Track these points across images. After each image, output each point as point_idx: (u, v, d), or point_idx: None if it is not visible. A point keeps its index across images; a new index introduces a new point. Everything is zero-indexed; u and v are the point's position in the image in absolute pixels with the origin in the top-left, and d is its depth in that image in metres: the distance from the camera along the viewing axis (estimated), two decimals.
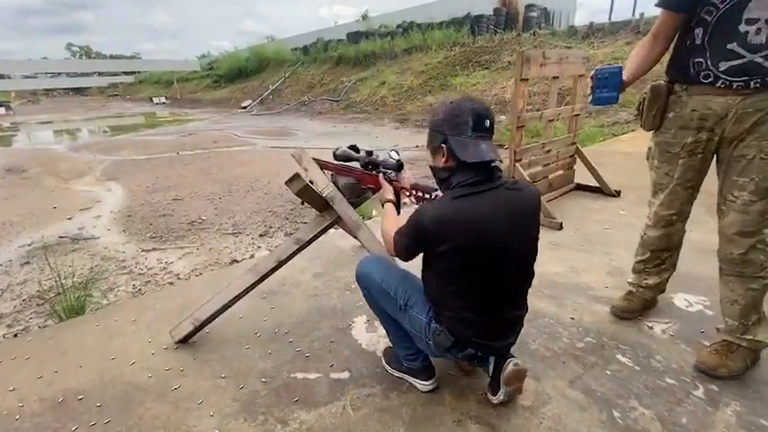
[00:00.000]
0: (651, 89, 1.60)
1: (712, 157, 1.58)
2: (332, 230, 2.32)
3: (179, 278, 2.91)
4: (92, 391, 1.64)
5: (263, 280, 1.86)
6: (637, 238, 1.92)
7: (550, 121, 3.54)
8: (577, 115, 3.78)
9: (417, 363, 1.55)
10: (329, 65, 17.82)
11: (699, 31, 1.42)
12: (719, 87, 1.41)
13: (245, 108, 17.28)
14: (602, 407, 1.47)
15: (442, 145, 1.26)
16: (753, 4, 1.29)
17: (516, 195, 1.28)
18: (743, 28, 1.32)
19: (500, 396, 1.43)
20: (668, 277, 1.92)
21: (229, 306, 1.87)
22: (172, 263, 3.17)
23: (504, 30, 14.36)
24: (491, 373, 1.43)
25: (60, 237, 3.77)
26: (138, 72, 37.02)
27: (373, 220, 3.40)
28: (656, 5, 1.51)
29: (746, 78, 1.35)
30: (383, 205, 1.61)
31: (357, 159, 1.77)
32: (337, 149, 1.80)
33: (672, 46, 1.56)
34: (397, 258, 1.46)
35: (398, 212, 1.60)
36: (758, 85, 1.35)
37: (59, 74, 41.06)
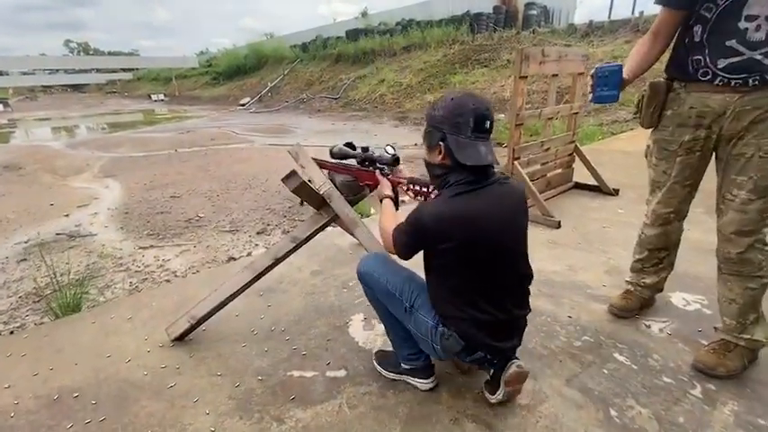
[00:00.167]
0: (650, 86, 1.60)
1: (711, 155, 1.58)
2: (330, 228, 2.31)
3: (176, 276, 2.90)
4: (87, 389, 1.63)
5: (260, 278, 1.85)
6: (635, 236, 1.91)
7: (549, 119, 3.53)
8: (576, 113, 3.77)
9: (419, 362, 1.54)
10: (328, 62, 17.77)
11: (698, 29, 1.41)
12: (718, 85, 1.40)
13: (243, 105, 17.24)
14: (599, 405, 1.46)
15: (440, 143, 1.24)
16: (753, 0, 1.28)
17: (508, 190, 1.31)
18: (742, 25, 1.31)
19: (498, 396, 1.42)
20: (666, 276, 1.92)
21: (226, 304, 1.86)
22: (169, 260, 3.16)
23: (503, 28, 14.32)
24: (492, 372, 1.42)
25: (57, 234, 3.76)
26: (137, 69, 36.83)
27: (371, 218, 3.39)
28: (655, 3, 1.50)
29: (745, 76, 1.34)
30: (381, 201, 1.59)
31: (354, 156, 1.76)
32: (334, 147, 1.80)
33: (671, 44, 1.55)
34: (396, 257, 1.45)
35: (396, 208, 1.58)
36: (757, 82, 1.34)
37: (57, 70, 40.82)
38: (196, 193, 4.91)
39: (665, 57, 1.60)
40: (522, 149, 3.26)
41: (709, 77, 1.41)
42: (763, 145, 1.38)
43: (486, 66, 11.88)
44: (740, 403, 1.45)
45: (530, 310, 1.43)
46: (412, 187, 1.57)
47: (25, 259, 3.25)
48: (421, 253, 1.37)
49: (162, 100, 24.65)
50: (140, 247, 3.41)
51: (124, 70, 38.07)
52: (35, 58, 35.99)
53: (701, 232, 2.40)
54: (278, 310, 2.14)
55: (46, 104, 25.64)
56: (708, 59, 1.40)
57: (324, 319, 2.04)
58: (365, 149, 1.73)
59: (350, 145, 1.79)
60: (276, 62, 20.68)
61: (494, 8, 15.41)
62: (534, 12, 14.92)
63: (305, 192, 1.70)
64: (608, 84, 1.57)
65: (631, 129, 7.02)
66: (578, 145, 3.88)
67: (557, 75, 3.41)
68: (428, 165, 1.34)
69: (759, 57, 1.31)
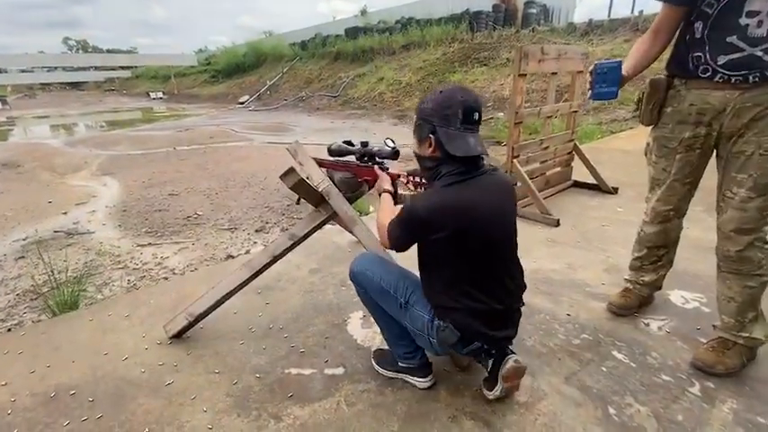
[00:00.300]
0: (650, 83, 1.59)
1: (711, 152, 1.57)
2: (328, 226, 2.31)
3: (174, 273, 2.89)
4: (84, 386, 1.62)
5: (258, 275, 1.85)
6: (634, 235, 1.91)
7: (548, 117, 3.52)
8: (575, 112, 3.77)
9: (415, 360, 1.54)
10: (327, 60, 17.73)
11: (699, 25, 1.40)
12: (718, 82, 1.39)
13: (242, 103, 17.20)
14: (597, 403, 1.46)
15: (430, 135, 1.27)
16: None
17: (497, 180, 1.34)
18: (743, 21, 1.30)
19: (496, 392, 1.42)
20: (665, 274, 1.91)
21: (224, 301, 1.85)
22: (167, 258, 3.15)
23: (502, 26, 14.30)
24: (490, 368, 1.42)
25: (55, 231, 3.74)
26: (135, 67, 36.72)
27: (370, 216, 3.38)
28: None
29: (745, 72, 1.33)
30: (380, 196, 1.58)
31: (352, 153, 1.75)
32: (332, 145, 1.79)
33: (673, 42, 1.55)
34: (391, 252, 1.44)
35: (396, 203, 1.57)
36: (757, 79, 1.33)
37: (56, 68, 40.71)
38: (195, 191, 4.90)
39: (665, 55, 1.60)
40: (521, 148, 3.26)
41: (709, 74, 1.40)
42: (763, 142, 1.37)
43: (485, 64, 11.86)
44: (739, 401, 1.45)
45: (523, 301, 1.44)
46: (412, 179, 1.57)
47: (23, 257, 3.24)
48: (415, 251, 1.37)
49: (160, 98, 24.58)
50: (138, 245, 3.40)
51: (123, 68, 37.95)
52: (34, 56, 35.87)
53: (700, 230, 2.39)
54: (276, 307, 2.13)
55: (44, 102, 25.56)
56: (708, 56, 1.39)
57: (322, 317, 2.03)
58: (364, 144, 1.72)
59: (348, 143, 1.78)
60: (275, 60, 20.63)
61: (493, 6, 15.38)
62: (534, 10, 14.88)
63: (303, 189, 1.69)
64: (606, 80, 1.56)
65: (630, 128, 7.02)
66: (577, 143, 3.88)
67: (556, 73, 3.41)
68: (419, 157, 1.36)
69: (760, 53, 1.30)
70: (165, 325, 1.89)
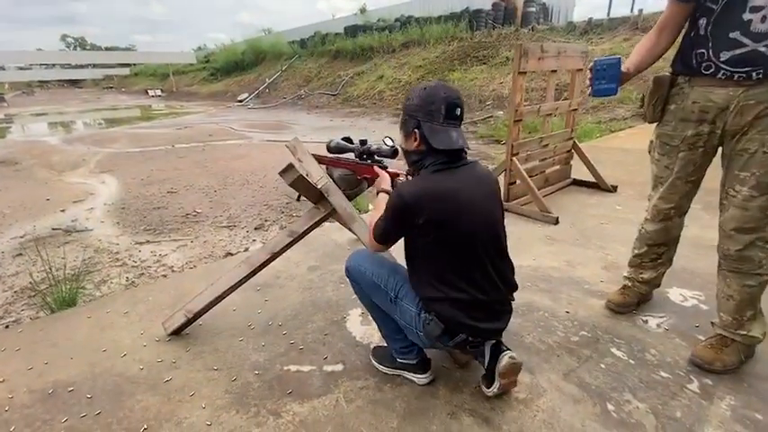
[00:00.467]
0: (654, 80, 1.58)
1: (714, 151, 1.57)
2: (327, 223, 2.30)
3: (173, 271, 2.89)
4: (82, 383, 1.62)
5: (257, 272, 1.85)
6: (633, 233, 1.91)
7: (548, 115, 3.52)
8: (575, 110, 3.77)
9: (412, 356, 1.55)
10: (326, 58, 17.69)
11: (703, 22, 1.39)
12: (721, 79, 1.39)
13: (241, 101, 17.16)
14: (596, 400, 1.46)
15: (415, 130, 1.32)
16: None
17: (481, 171, 1.39)
18: (747, 16, 1.29)
19: (494, 389, 1.42)
20: (664, 272, 1.91)
21: (222, 298, 1.85)
22: (166, 255, 3.14)
23: (502, 25, 14.28)
24: (486, 364, 1.43)
25: (53, 228, 3.73)
26: (134, 64, 36.64)
27: (369, 213, 3.38)
28: None
29: (749, 69, 1.32)
30: (378, 194, 1.59)
31: (351, 150, 1.75)
32: (331, 142, 1.78)
33: (679, 40, 1.54)
34: (383, 249, 1.46)
35: None
36: (760, 75, 1.32)
37: (54, 65, 40.59)
38: (193, 189, 4.89)
39: (669, 54, 1.59)
40: (520, 145, 3.26)
41: (712, 71, 1.40)
42: (766, 140, 1.36)
43: (484, 63, 11.84)
44: (737, 398, 1.46)
45: (513, 299, 1.45)
46: (411, 178, 1.57)
47: (21, 254, 3.22)
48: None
49: (159, 95, 24.54)
50: (137, 243, 3.39)
51: (121, 65, 37.86)
52: (31, 53, 35.67)
53: (698, 228, 2.40)
54: (275, 304, 2.13)
55: (42, 99, 25.48)
56: (711, 53, 1.38)
57: (321, 314, 2.03)
58: (363, 142, 1.72)
59: (347, 139, 1.78)
60: (274, 58, 20.57)
61: (493, 5, 15.36)
62: (533, 9, 14.88)
63: (302, 185, 1.69)
64: (606, 77, 1.56)
65: (630, 126, 7.03)
66: (576, 142, 3.88)
67: (555, 71, 3.40)
68: (405, 152, 1.42)
69: (763, 49, 1.29)
70: (164, 322, 1.89)
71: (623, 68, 1.56)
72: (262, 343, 1.83)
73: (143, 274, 2.87)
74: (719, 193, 1.54)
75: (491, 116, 9.06)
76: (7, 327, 2.25)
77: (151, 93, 25.11)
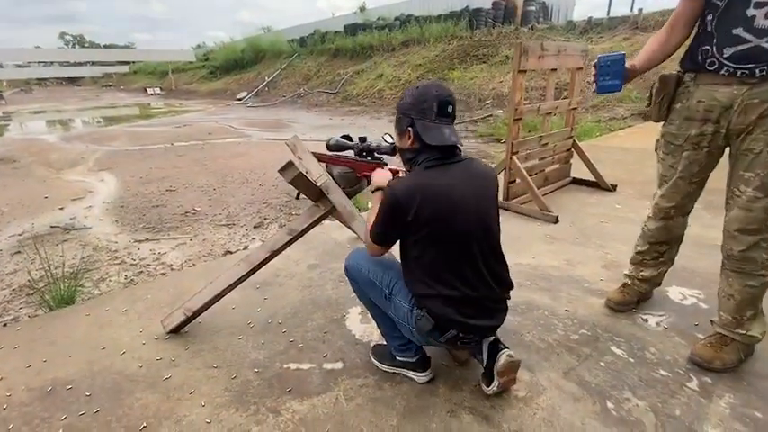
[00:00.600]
0: (660, 78, 1.58)
1: (720, 153, 1.56)
2: (327, 221, 2.30)
3: (172, 269, 2.88)
4: (81, 381, 1.61)
5: (256, 271, 1.84)
6: (632, 232, 1.91)
7: (548, 114, 3.52)
8: (575, 109, 3.77)
9: (411, 354, 1.54)
10: (326, 57, 17.67)
11: (709, 18, 1.39)
12: (724, 75, 1.38)
13: (240, 100, 17.14)
14: (595, 398, 1.46)
15: (409, 128, 1.34)
16: None
17: (476, 167, 1.40)
18: (750, 12, 1.28)
19: (493, 387, 1.42)
20: (665, 271, 1.91)
21: (221, 296, 1.85)
22: (165, 253, 3.14)
23: (502, 24, 14.28)
24: (484, 363, 1.43)
25: (52, 226, 3.72)
26: (133, 62, 36.55)
27: (368, 212, 3.37)
28: None
29: (752, 66, 1.32)
30: (373, 192, 1.58)
31: (351, 148, 1.74)
32: (330, 140, 1.78)
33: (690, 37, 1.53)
34: (381, 252, 1.45)
35: None
36: (764, 73, 1.31)
37: (52, 63, 40.48)
38: (192, 187, 4.88)
39: (676, 54, 1.58)
40: (520, 144, 3.25)
41: (715, 67, 1.39)
42: None
43: (484, 62, 11.84)
44: (736, 396, 1.46)
45: (508, 297, 1.45)
46: None
47: (19, 252, 3.21)
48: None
49: (158, 94, 24.48)
50: (136, 241, 3.39)
51: (120, 63, 37.77)
52: (30, 51, 35.54)
53: (699, 227, 2.39)
54: (275, 302, 2.13)
55: (41, 97, 25.41)
56: (714, 49, 1.38)
57: (321, 312, 2.03)
58: (363, 140, 1.72)
59: (347, 137, 1.77)
60: (274, 56, 20.54)
61: (492, 4, 15.35)
62: (533, 8, 14.88)
63: (302, 183, 1.69)
64: (610, 73, 1.55)
65: (629, 126, 7.03)
66: (576, 141, 3.88)
67: (555, 70, 3.40)
68: (400, 150, 1.44)
69: (766, 45, 1.28)
70: (163, 320, 1.88)
71: (628, 65, 1.56)
72: (261, 341, 1.82)
73: (142, 272, 2.87)
74: (725, 192, 1.53)
75: (491, 115, 9.06)
76: (5, 325, 2.24)
77: (150, 91, 25.06)
